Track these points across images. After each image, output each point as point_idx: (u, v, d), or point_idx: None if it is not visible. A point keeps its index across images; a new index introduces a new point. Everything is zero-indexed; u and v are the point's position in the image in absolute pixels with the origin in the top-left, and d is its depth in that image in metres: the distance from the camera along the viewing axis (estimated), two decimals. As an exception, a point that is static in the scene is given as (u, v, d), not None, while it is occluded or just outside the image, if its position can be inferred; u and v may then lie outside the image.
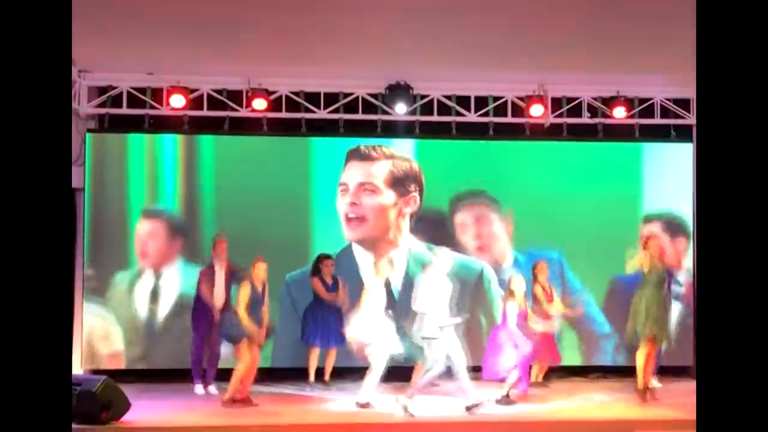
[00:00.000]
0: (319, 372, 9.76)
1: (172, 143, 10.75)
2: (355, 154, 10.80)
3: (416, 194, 10.79)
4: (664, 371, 10.01)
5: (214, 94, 10.71)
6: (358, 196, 10.69)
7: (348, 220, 10.66)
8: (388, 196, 10.74)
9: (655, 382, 9.08)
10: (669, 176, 11.05)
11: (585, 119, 11.16)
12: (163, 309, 10.49)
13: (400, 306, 9.40)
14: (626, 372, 9.79)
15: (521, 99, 10.94)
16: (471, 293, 10.48)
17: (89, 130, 10.64)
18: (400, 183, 10.78)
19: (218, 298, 9.35)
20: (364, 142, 10.91)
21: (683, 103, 11.02)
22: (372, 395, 8.50)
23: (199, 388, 9.43)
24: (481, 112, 11.00)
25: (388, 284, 9.13)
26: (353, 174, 10.76)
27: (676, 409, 8.39)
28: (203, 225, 10.67)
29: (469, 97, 10.99)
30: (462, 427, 8.06)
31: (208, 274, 9.46)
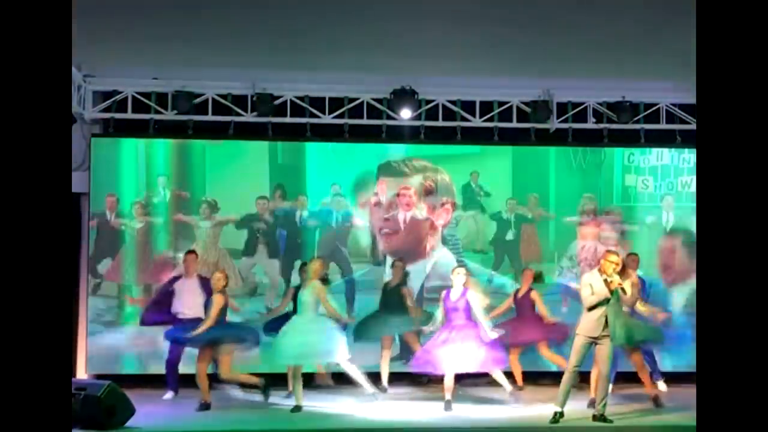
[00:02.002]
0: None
1: (177, 148, 10.79)
2: (386, 169, 10.91)
3: (448, 206, 10.89)
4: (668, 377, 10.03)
5: (219, 99, 10.71)
6: (390, 210, 10.82)
7: (381, 234, 10.80)
8: (421, 209, 10.86)
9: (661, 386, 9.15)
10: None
11: (590, 124, 11.16)
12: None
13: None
14: (630, 377, 9.74)
15: (526, 104, 10.94)
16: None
17: (94, 135, 10.65)
18: (431, 196, 10.89)
19: (195, 310, 9.19)
20: (369, 148, 10.98)
21: (689, 109, 10.99)
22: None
23: (168, 394, 9.43)
24: (486, 117, 10.99)
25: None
26: (385, 188, 10.88)
27: (679, 414, 8.38)
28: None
29: (474, 102, 10.98)
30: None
31: (177, 284, 9.48)
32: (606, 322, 7.82)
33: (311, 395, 9.23)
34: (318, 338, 8.66)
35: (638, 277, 9.38)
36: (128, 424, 7.74)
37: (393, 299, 9.76)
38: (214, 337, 8.54)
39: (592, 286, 7.87)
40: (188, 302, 9.30)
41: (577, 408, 8.42)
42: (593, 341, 7.90)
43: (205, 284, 9.15)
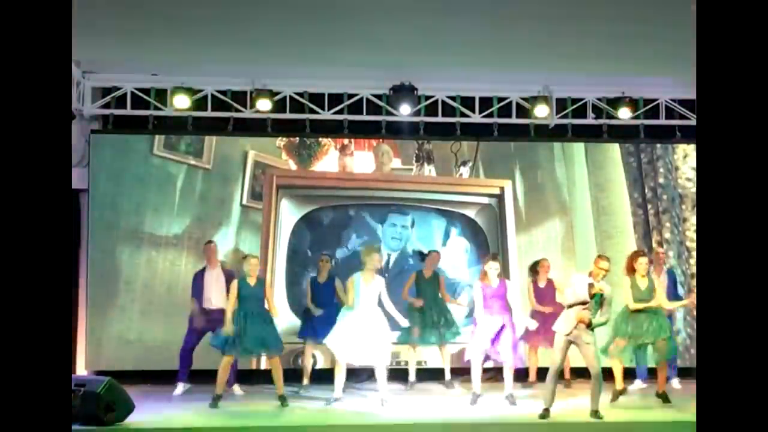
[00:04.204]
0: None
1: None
2: None
3: None
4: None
5: (219, 95, 10.70)
6: None
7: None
8: None
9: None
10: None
11: (590, 120, 11.15)
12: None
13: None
14: (630, 374, 9.77)
15: (526, 100, 10.93)
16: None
17: (93, 131, 10.66)
18: None
19: (218, 300, 9.36)
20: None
21: (688, 104, 10.99)
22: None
23: (179, 388, 9.50)
24: (486, 112, 10.99)
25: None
26: None
27: (681, 411, 8.37)
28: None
29: (473, 98, 10.97)
30: (466, 428, 8.08)
31: (198, 279, 9.61)
32: (579, 321, 7.91)
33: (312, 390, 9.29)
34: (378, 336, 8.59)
35: (668, 272, 9.80)
36: (127, 420, 7.74)
37: (430, 289, 9.86)
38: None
39: (574, 285, 8.01)
40: (213, 293, 9.43)
41: (575, 406, 8.47)
42: (570, 340, 7.97)
43: (229, 274, 9.33)
